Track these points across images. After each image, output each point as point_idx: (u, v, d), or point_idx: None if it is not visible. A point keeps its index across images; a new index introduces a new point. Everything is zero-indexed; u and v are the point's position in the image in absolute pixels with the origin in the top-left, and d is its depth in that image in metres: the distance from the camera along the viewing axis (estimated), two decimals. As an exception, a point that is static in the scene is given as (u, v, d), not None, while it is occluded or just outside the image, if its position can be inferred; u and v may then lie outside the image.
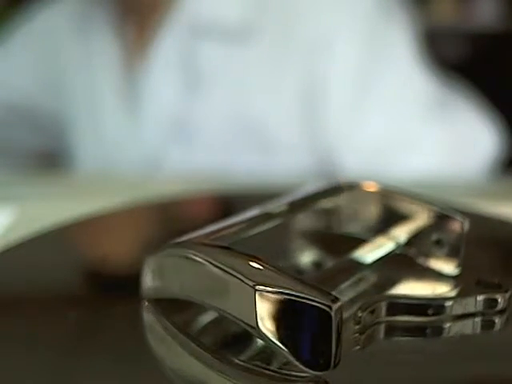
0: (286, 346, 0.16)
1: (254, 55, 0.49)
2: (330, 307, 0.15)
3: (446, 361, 0.17)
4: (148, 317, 0.20)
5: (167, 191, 0.32)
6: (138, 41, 0.53)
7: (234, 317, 0.17)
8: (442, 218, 0.22)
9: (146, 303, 0.20)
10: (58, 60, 0.57)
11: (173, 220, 0.31)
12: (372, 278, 0.22)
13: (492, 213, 0.28)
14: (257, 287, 0.16)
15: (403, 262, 0.22)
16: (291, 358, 0.16)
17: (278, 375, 0.16)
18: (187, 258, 0.18)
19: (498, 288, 0.19)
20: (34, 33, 0.59)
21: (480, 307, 0.19)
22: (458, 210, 0.22)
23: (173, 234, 0.20)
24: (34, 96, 0.59)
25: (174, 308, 0.20)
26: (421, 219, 0.22)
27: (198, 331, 0.19)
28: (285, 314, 0.16)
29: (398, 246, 0.22)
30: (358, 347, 0.18)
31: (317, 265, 0.24)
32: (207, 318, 0.19)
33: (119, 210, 0.29)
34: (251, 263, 0.17)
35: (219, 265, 0.17)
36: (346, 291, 0.20)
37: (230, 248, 0.18)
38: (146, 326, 0.20)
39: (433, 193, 0.24)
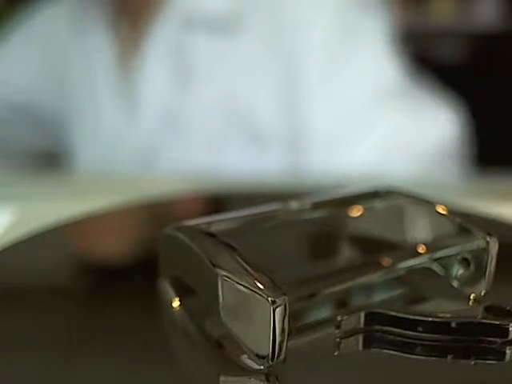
0: (237, 335, 0.17)
1: (243, 45, 0.51)
2: (274, 302, 0.16)
3: (418, 373, 0.17)
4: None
5: (166, 191, 0.32)
6: (132, 38, 0.54)
7: (206, 301, 0.18)
8: (470, 236, 0.21)
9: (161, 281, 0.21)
10: (57, 59, 0.57)
11: (171, 219, 0.31)
12: (380, 285, 0.21)
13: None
14: (221, 272, 0.17)
15: (423, 276, 0.21)
16: (243, 347, 0.17)
17: (235, 363, 0.17)
18: (176, 239, 0.19)
19: (508, 316, 0.18)
20: (34, 32, 0.59)
21: (481, 333, 0.18)
22: (489, 226, 0.21)
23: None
24: (33, 95, 0.60)
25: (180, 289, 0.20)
26: (451, 234, 0.21)
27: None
28: (240, 303, 0.17)
29: (427, 260, 0.21)
30: (335, 351, 0.18)
31: (329, 264, 0.24)
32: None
33: (118, 208, 0.29)
34: (225, 252, 0.18)
35: (197, 250, 0.18)
36: (341, 294, 0.20)
37: (216, 236, 0.19)
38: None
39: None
